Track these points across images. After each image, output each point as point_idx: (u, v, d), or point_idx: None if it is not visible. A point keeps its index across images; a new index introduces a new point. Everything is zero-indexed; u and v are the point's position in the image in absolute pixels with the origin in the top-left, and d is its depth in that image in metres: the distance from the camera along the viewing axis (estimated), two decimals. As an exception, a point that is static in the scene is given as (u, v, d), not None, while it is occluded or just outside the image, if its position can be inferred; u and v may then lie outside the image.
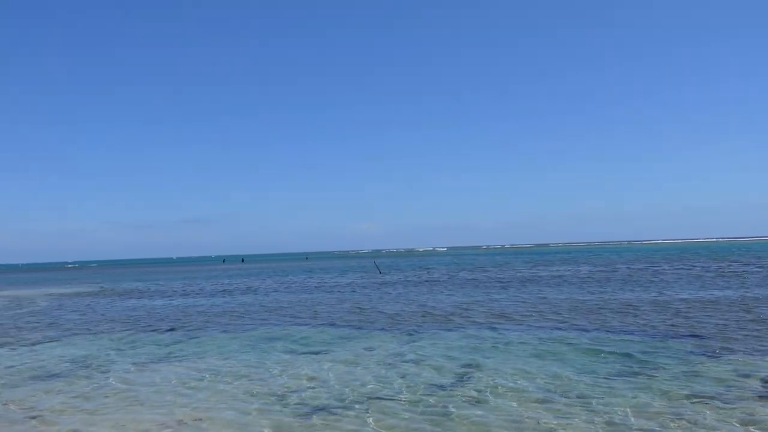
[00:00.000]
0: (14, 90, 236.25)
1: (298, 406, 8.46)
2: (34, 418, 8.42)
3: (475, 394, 8.72)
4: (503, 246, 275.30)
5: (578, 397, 8.35)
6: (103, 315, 23.15)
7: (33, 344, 15.84)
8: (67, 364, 12.55)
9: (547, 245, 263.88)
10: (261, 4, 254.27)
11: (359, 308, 21.42)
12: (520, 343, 12.88)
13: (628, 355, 11.07)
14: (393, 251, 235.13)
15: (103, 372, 11.56)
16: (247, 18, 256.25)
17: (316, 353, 12.60)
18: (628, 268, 42.88)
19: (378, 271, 51.22)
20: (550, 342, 12.85)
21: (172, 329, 17.69)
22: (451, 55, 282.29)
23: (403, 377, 9.98)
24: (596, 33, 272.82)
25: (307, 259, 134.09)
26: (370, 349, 12.88)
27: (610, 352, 11.42)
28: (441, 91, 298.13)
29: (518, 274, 39.74)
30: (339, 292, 30.22)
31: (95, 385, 10.43)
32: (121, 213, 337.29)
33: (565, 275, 36.96)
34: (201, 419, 8.01)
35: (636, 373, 9.63)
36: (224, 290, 35.12)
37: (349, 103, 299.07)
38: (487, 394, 8.69)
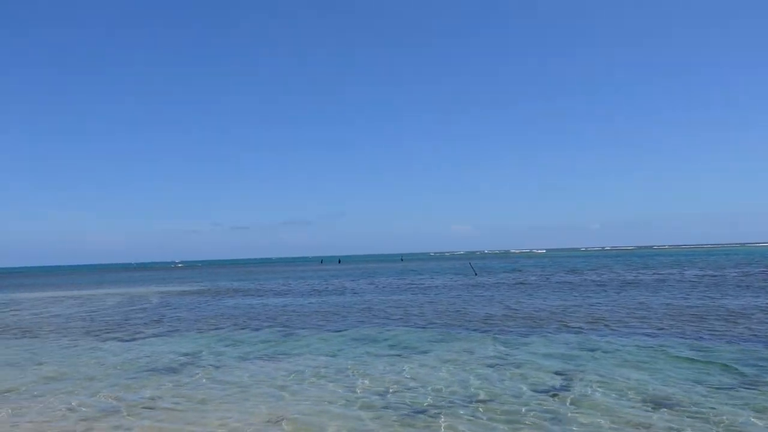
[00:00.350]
0: (138, 98, 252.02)
1: (400, 406, 8.59)
2: (150, 408, 9.05)
3: (574, 400, 8.57)
4: (603, 248, 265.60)
5: (677, 409, 8.04)
6: (207, 313, 24.39)
7: (146, 338, 16.97)
8: (178, 358, 13.36)
9: (650, 247, 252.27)
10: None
11: (455, 310, 21.43)
12: (617, 350, 12.50)
13: (733, 367, 10.48)
14: (488, 253, 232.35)
15: (210, 367, 12.22)
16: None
17: (414, 354, 12.75)
18: (740, 272, 40.38)
19: (473, 273, 50.89)
20: (649, 350, 12.38)
21: (271, 327, 18.41)
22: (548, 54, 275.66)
23: (502, 381, 9.95)
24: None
25: (402, 260, 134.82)
26: (469, 351, 12.88)
27: (713, 363, 10.86)
28: (535, 95, 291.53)
29: (618, 278, 38.36)
30: (432, 293, 30.32)
31: (204, 379, 11.05)
32: (226, 215, 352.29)
33: (668, 279, 35.31)
34: (305, 415, 8.31)
35: (741, 387, 9.14)
36: (320, 290, 36.08)
37: (446, 110, 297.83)
38: (586, 401, 8.52)
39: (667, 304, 21.11)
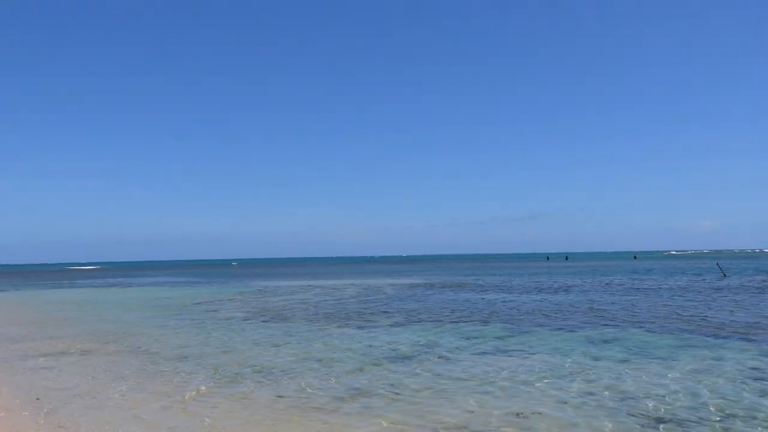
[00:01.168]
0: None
1: (640, 413, 8.23)
2: (391, 395, 9.73)
3: None
4: None
5: None
6: (436, 305, 25.34)
7: (383, 327, 18.18)
8: (413, 348, 14.13)
9: None
10: None
11: (696, 315, 19.68)
12: None
13: None
14: (737, 252, 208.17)
15: (444, 358, 12.74)
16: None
17: (650, 360, 12.02)
18: None
19: (722, 274, 46.11)
20: None
21: (497, 323, 18.58)
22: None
23: (762, 396, 9.02)
24: None
25: (635, 258, 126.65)
26: (718, 360, 11.80)
27: None
28: None
29: None
30: (666, 295, 28.07)
31: (440, 368, 11.56)
32: (463, 210, 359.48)
33: None
34: (540, 414, 8.34)
35: None
36: (543, 287, 35.41)
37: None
38: None
39: None
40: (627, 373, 10.84)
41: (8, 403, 9.43)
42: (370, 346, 14.68)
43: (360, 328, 18.25)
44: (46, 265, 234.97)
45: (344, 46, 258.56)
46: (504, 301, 26.52)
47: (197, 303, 29.68)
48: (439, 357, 12.92)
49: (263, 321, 20.71)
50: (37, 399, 9.71)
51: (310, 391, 10.00)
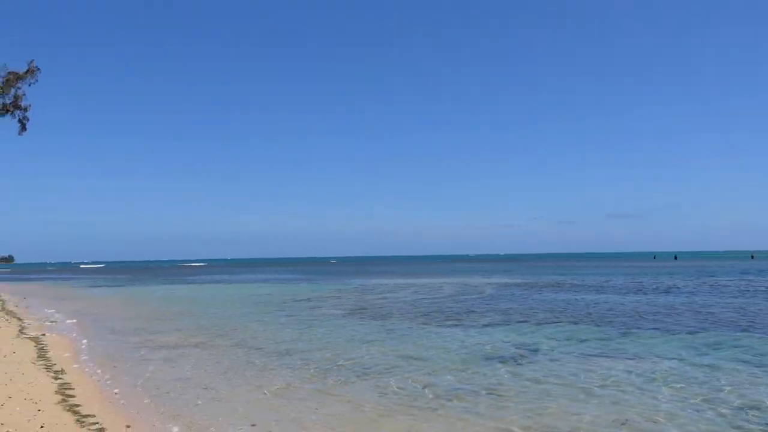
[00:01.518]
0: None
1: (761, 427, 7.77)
2: (493, 395, 9.64)
3: None
4: None
5: None
6: (534, 305, 24.83)
7: (482, 327, 18.03)
8: (515, 349, 13.91)
9: None
10: None
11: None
12: None
13: None
14: None
15: (547, 359, 12.49)
16: None
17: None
18: None
19: None
20: None
21: (598, 324, 17.97)
22: None
23: None
24: None
25: (752, 258, 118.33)
26: None
27: None
28: None
29: None
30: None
31: (543, 370, 11.34)
32: (550, 209, 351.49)
33: None
34: (655, 422, 8.01)
35: None
36: (646, 288, 33.83)
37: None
38: None
39: None
40: (745, 382, 10.22)
41: (130, 392, 10.13)
42: (467, 345, 14.62)
43: (457, 327, 18.19)
44: (159, 261, 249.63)
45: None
46: (604, 302, 25.62)
47: (298, 300, 30.61)
48: (539, 358, 12.69)
49: (361, 318, 21.08)
50: (158, 389, 10.37)
51: (411, 389, 10.10)
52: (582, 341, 14.92)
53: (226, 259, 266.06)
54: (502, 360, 12.57)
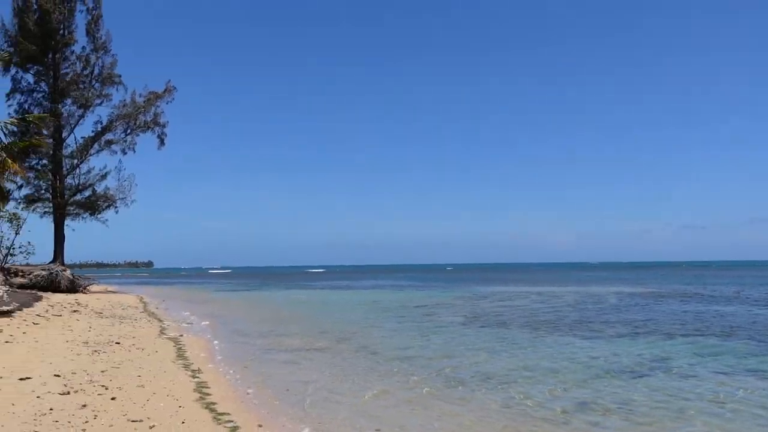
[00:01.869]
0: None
1: None
2: (629, 411, 9.19)
3: None
4: None
5: None
6: (662, 316, 23.41)
7: (608, 338, 17.24)
8: (644, 362, 13.20)
9: None
10: None
11: None
12: None
13: None
14: None
15: (679, 375, 11.73)
16: None
17: None
18: None
19: None
20: None
21: (738, 339, 16.68)
22: None
23: None
24: None
25: None
26: None
27: None
28: None
29: None
30: None
31: (675, 387, 10.68)
32: (678, 213, 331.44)
33: None
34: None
35: None
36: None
37: None
38: None
39: None
40: None
41: (261, 392, 10.57)
42: (593, 357, 14.02)
43: (581, 337, 17.51)
44: (281, 267, 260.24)
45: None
46: (743, 314, 23.72)
47: (416, 306, 30.74)
48: (671, 373, 11.95)
49: (480, 326, 20.80)
50: (287, 390, 10.76)
51: (536, 400, 9.83)
52: (719, 357, 13.88)
53: (344, 266, 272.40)
54: (633, 373, 11.96)
